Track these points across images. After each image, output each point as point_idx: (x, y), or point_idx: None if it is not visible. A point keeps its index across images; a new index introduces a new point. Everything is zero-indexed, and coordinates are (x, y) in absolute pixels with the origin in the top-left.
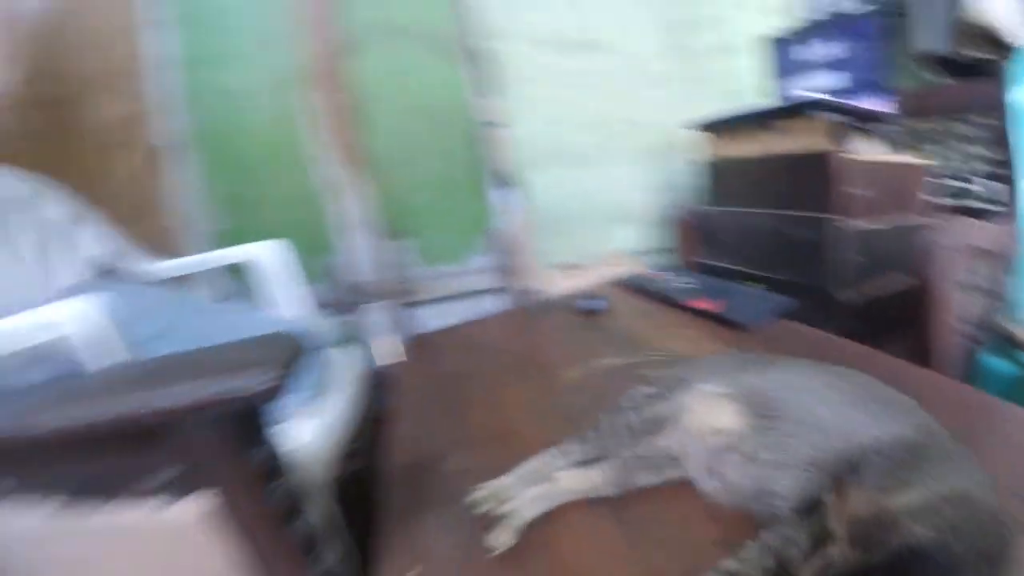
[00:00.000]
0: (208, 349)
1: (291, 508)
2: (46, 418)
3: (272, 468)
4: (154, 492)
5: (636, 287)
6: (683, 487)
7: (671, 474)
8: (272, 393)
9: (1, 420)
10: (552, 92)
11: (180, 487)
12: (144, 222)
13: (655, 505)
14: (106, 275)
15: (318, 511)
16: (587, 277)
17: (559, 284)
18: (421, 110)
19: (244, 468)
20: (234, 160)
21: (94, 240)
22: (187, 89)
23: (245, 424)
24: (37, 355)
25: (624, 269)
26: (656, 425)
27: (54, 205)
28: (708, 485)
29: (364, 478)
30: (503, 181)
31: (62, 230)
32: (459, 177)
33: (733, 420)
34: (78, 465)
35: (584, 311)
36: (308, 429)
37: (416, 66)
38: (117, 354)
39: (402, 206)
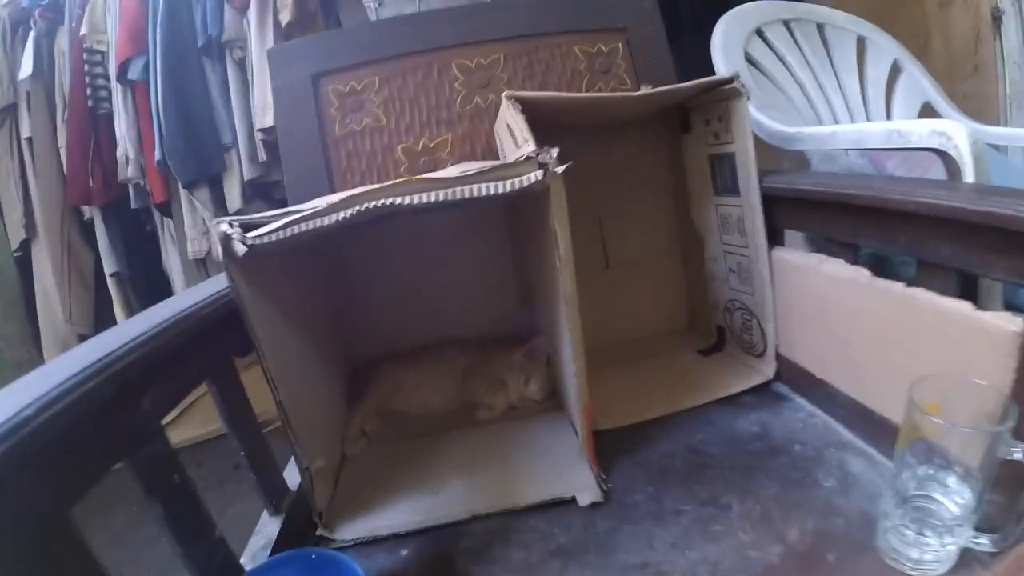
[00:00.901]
0: None
1: None
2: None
3: None
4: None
5: None
6: None
7: None
8: None
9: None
10: None
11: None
12: (966, 83)
13: None
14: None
15: None
16: None
17: None
18: None
19: None
20: None
21: (914, 88)
22: None
23: None
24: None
25: None
26: None
27: (886, 46)
28: None
29: None
30: None
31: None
32: None
33: None
34: (910, 244)
35: None
36: None
37: None
38: (981, 177)
39: None
